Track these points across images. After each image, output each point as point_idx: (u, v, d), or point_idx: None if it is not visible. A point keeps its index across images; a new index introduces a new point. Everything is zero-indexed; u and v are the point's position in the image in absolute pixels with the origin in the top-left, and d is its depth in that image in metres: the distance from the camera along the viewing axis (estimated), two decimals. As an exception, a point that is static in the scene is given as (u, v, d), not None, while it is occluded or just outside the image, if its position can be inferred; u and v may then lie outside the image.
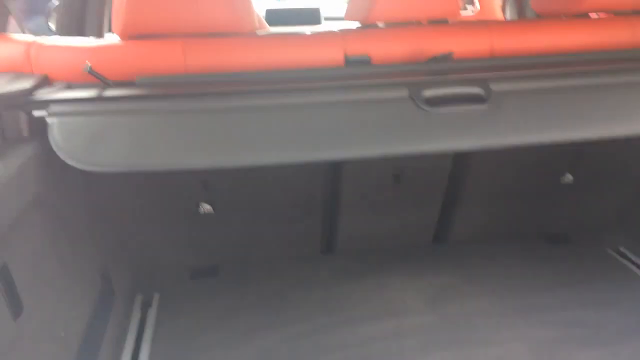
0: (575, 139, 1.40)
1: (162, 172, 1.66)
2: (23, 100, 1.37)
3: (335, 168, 1.91)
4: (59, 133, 1.32)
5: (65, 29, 2.28)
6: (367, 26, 1.74)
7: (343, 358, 1.68)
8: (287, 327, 1.81)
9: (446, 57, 1.56)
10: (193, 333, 1.82)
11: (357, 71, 1.55)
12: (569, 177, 2.09)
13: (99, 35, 2.33)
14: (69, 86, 1.51)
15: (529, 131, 1.37)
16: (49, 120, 1.34)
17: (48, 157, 1.35)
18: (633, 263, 2.15)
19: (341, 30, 1.67)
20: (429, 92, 1.37)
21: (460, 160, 1.96)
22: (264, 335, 1.78)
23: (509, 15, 3.27)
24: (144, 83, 1.51)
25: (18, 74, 1.50)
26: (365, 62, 1.56)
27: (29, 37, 1.63)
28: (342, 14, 1.86)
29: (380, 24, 1.76)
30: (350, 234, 2.13)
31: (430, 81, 1.40)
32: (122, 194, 1.85)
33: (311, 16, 4.34)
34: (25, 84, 1.41)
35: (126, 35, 1.57)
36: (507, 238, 2.25)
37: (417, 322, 1.82)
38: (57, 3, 2.54)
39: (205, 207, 1.93)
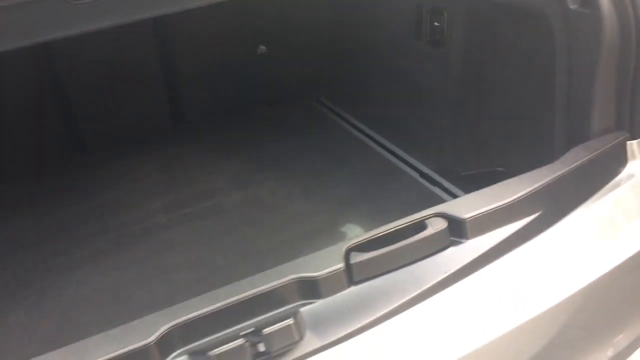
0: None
1: None
2: None
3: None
4: None
5: None
6: None
7: None
8: None
9: None
10: None
11: None
12: (262, 48, 2.58)
13: None
14: None
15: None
16: None
17: None
18: (328, 109, 2.74)
19: None
20: None
21: (165, 47, 2.36)
22: None
23: None
24: None
25: None
26: None
27: None
28: None
29: None
30: (97, 127, 2.45)
31: None
32: None
33: None
34: None
35: None
36: (233, 107, 2.68)
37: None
38: None
39: None
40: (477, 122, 2.00)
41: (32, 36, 1.70)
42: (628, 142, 1.44)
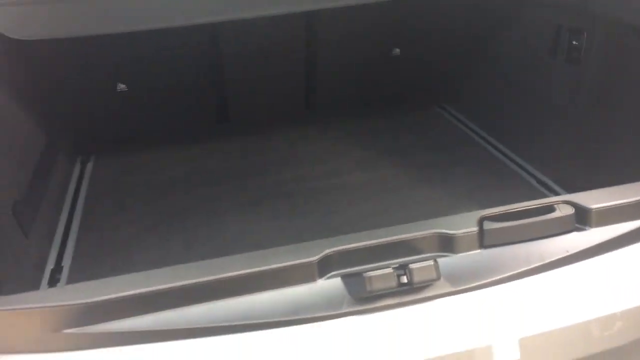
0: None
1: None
2: None
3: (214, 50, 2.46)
4: None
5: None
6: None
7: None
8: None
9: None
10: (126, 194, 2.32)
11: None
12: (396, 50, 2.74)
13: None
14: None
15: None
16: None
17: None
18: (449, 113, 2.91)
19: None
20: None
21: (311, 40, 2.54)
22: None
23: None
24: None
25: None
26: None
27: None
28: None
29: None
30: (242, 104, 2.73)
31: None
32: (53, 66, 2.29)
33: None
34: None
35: None
36: (361, 101, 2.88)
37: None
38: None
39: (120, 86, 2.41)
40: (600, 138, 2.09)
41: (207, 15, 2.04)
42: None
